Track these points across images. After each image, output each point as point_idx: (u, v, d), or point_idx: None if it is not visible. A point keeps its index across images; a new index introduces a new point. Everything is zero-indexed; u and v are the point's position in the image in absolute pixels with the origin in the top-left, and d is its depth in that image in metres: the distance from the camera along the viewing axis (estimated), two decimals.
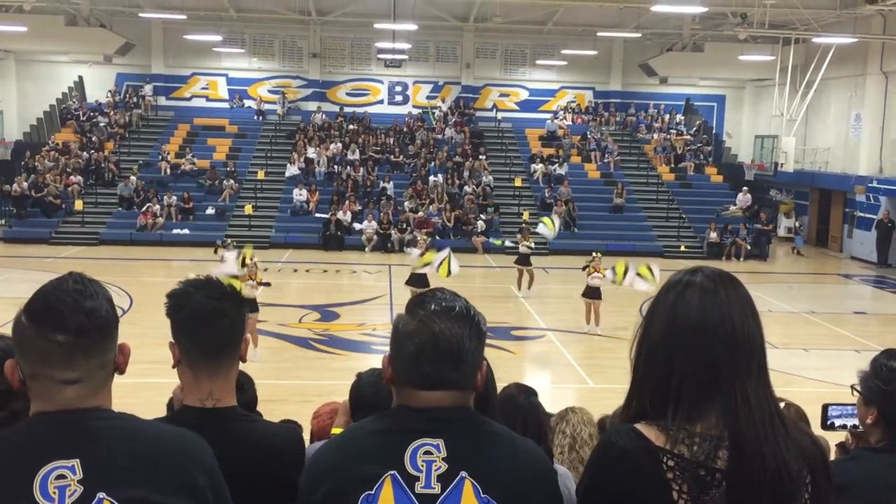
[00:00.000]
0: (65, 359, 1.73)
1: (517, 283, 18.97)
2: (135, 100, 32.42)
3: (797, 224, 28.63)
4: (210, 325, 2.16)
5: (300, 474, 1.91)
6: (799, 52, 27.55)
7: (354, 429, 1.98)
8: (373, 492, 1.73)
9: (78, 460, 1.68)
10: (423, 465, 1.75)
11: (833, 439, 2.93)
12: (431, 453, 1.76)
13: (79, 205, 26.42)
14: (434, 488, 1.74)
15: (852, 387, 2.43)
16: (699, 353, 1.76)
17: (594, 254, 15.81)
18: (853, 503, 1.86)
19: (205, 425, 1.98)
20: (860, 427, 2.40)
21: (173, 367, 2.18)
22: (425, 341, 1.80)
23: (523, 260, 18.99)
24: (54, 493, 1.65)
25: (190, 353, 2.17)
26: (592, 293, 15.22)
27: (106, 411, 1.80)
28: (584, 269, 15.61)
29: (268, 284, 14.05)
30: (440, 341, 1.79)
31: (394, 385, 1.88)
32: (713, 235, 26.79)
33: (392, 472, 1.74)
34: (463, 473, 1.75)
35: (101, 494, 1.66)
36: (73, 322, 1.73)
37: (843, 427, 2.75)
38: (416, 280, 15.83)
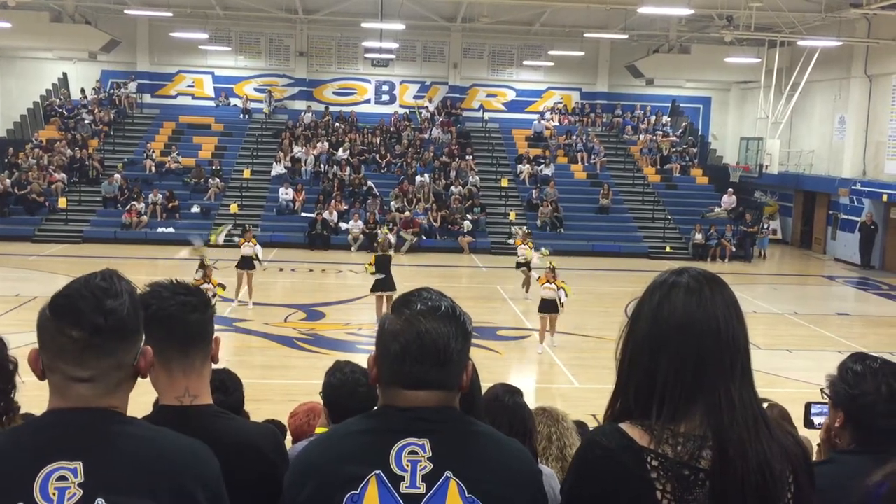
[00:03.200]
0: (77, 356, 1.73)
1: (523, 284, 18.63)
2: (116, 99, 32.18)
3: (766, 226, 28.40)
4: (180, 318, 2.19)
5: (281, 473, 1.90)
6: (784, 55, 27.73)
7: (339, 428, 1.97)
8: (357, 491, 1.73)
9: (81, 463, 1.67)
10: (408, 465, 1.74)
11: (816, 438, 2.95)
12: (417, 453, 1.75)
13: (62, 202, 26.22)
14: (419, 488, 1.73)
15: (822, 390, 2.46)
16: (684, 354, 1.76)
17: (550, 264, 14.74)
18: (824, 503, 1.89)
19: (182, 423, 1.97)
20: (832, 430, 2.42)
21: (144, 376, 2.10)
22: (411, 341, 1.79)
23: (520, 264, 18.76)
24: (54, 494, 1.64)
25: (163, 350, 2.15)
26: (547, 306, 14.09)
27: (117, 415, 1.78)
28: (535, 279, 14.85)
29: (222, 287, 14.81)
30: (426, 341, 1.79)
31: (379, 384, 1.87)
32: (698, 237, 26.91)
33: (377, 471, 1.74)
34: (448, 473, 1.75)
35: (100, 500, 1.65)
36: (90, 320, 1.72)
37: None
38: (382, 284, 15.28)
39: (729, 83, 34.72)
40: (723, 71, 31.03)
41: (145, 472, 1.71)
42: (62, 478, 1.65)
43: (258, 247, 17.13)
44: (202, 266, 14.66)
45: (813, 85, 27.64)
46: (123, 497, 1.67)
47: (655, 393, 1.76)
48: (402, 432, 1.78)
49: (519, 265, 18.71)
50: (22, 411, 2.67)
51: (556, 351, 14.10)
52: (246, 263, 16.79)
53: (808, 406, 2.92)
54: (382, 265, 15.27)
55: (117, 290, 1.78)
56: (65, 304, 1.74)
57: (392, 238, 18.94)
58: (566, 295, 13.95)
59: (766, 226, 28.01)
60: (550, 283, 14.01)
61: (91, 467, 1.67)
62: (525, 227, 21.40)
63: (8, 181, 26.36)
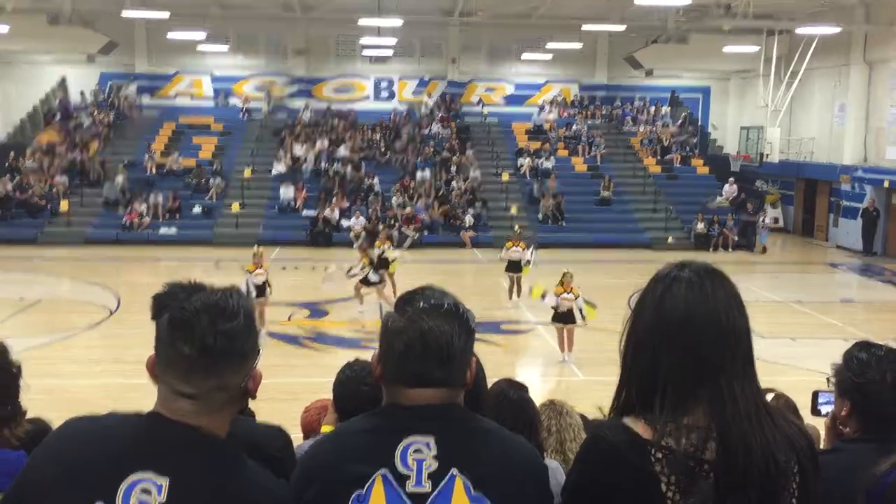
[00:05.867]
0: (183, 372, 1.74)
1: (508, 293, 17.56)
2: (116, 101, 32.16)
3: (763, 219, 27.85)
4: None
5: (289, 472, 1.90)
6: (783, 43, 27.66)
7: (344, 427, 1.97)
8: (364, 491, 1.73)
9: (168, 479, 1.67)
10: (413, 464, 1.74)
11: (823, 426, 2.95)
12: (422, 451, 1.75)
13: (64, 205, 26.23)
14: (425, 486, 1.73)
15: (827, 379, 2.46)
16: (686, 348, 1.76)
17: (566, 272, 13.60)
18: (831, 494, 1.89)
19: None
20: (838, 419, 2.42)
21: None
22: (414, 339, 1.79)
23: (514, 267, 17.48)
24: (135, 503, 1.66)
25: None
26: (564, 317, 13.34)
27: (204, 436, 1.76)
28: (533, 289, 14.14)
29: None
30: (429, 339, 1.79)
31: (383, 383, 1.87)
32: (700, 227, 26.88)
33: (383, 470, 1.74)
34: (454, 471, 1.74)
35: None
36: (201, 338, 1.72)
37: None
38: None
39: (728, 72, 34.65)
40: (722, 60, 30.96)
41: (221, 501, 1.71)
42: (146, 490, 1.66)
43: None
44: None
45: (812, 72, 27.58)
46: None
47: (657, 387, 1.77)
48: (406, 431, 1.78)
49: (511, 268, 17.46)
50: (28, 415, 2.67)
51: (558, 343, 14.00)
52: (258, 292, 14.40)
53: (815, 394, 2.92)
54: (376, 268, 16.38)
55: (234, 310, 1.77)
56: (182, 318, 1.73)
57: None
58: (583, 317, 13.27)
59: (762, 219, 27.71)
60: (568, 294, 13.21)
61: (173, 484, 1.67)
62: (517, 227, 20.40)
63: (9, 185, 26.38)
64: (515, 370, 12.55)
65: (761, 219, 27.61)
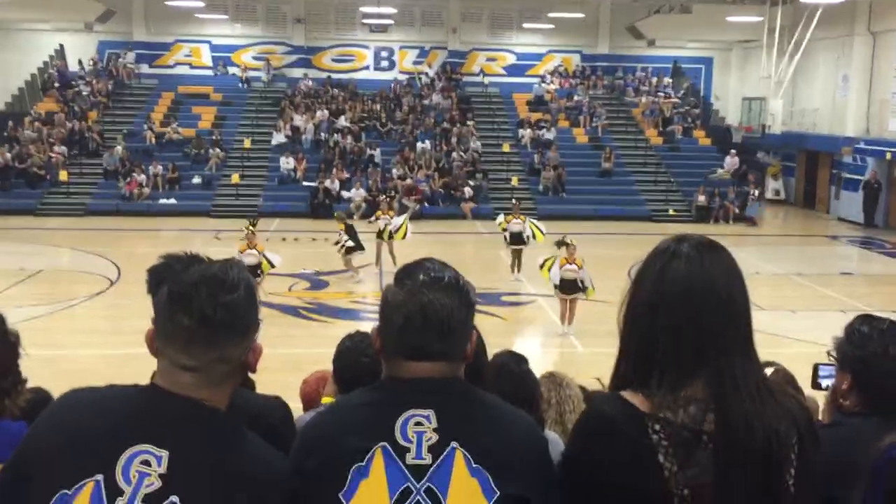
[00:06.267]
0: (184, 344, 1.72)
1: (511, 267, 17.35)
2: (114, 69, 31.94)
3: (755, 192, 27.28)
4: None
5: (289, 445, 1.90)
6: (786, 13, 27.42)
7: (344, 400, 1.97)
8: (364, 463, 1.72)
9: (167, 452, 1.66)
10: (413, 437, 1.74)
11: (823, 399, 2.95)
12: (422, 424, 1.75)
13: (63, 175, 26.17)
14: (425, 459, 1.73)
15: (828, 352, 2.45)
16: (685, 323, 1.75)
17: (568, 241, 13.39)
18: (832, 468, 1.89)
19: None
20: (839, 392, 2.42)
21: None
22: (414, 312, 1.78)
23: (517, 239, 17.26)
24: (134, 476, 1.64)
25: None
26: (568, 287, 13.23)
27: (206, 409, 1.74)
28: (544, 263, 13.65)
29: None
30: (429, 312, 1.78)
31: (383, 356, 1.87)
32: (701, 199, 26.82)
33: (382, 443, 1.73)
34: (454, 444, 1.74)
35: (174, 497, 1.65)
36: (200, 310, 1.70)
37: None
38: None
39: (731, 43, 34.38)
40: (725, 30, 30.70)
41: (220, 475, 1.70)
42: (146, 462, 1.65)
43: (274, 256, 14.47)
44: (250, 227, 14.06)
45: (816, 43, 27.35)
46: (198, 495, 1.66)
47: (656, 361, 1.76)
48: (406, 404, 1.77)
49: (513, 241, 17.27)
50: (28, 384, 2.67)
51: (559, 315, 14.04)
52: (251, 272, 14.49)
53: (815, 367, 2.92)
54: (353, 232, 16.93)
55: (234, 282, 1.75)
56: (180, 291, 1.72)
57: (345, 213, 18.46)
58: (592, 287, 13.10)
59: (753, 192, 27.41)
60: (571, 264, 13.11)
61: (173, 457, 1.66)
62: (514, 199, 20.19)
63: (8, 155, 26.28)
64: (515, 342, 12.57)
65: (753, 192, 27.38)
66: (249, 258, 13.48)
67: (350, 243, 16.78)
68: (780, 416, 1.75)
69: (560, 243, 13.49)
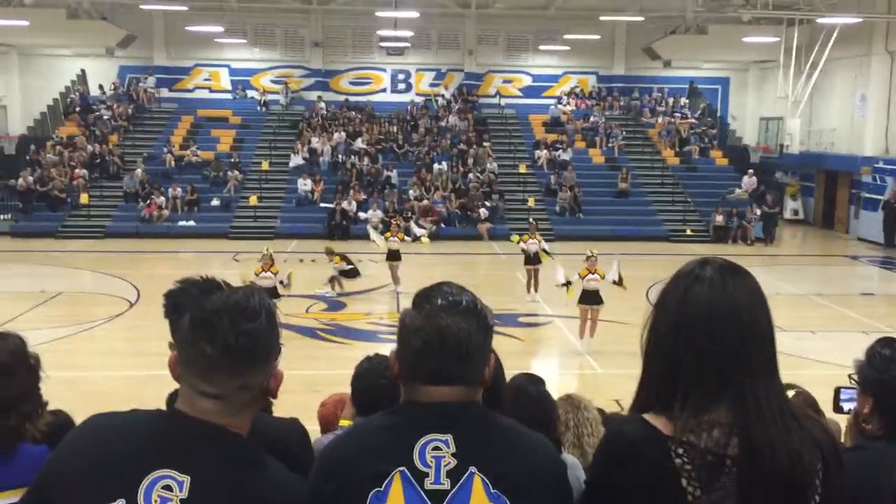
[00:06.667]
0: (206, 371, 1.73)
1: (527, 287, 17.31)
2: (134, 94, 32.34)
3: (756, 212, 26.82)
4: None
5: (306, 468, 1.90)
6: (803, 33, 27.37)
7: (363, 424, 1.97)
8: (382, 488, 1.72)
9: (189, 477, 1.66)
10: (432, 461, 1.73)
11: (845, 422, 2.92)
12: (440, 449, 1.74)
13: (84, 198, 26.43)
14: (444, 484, 1.72)
15: (850, 376, 2.43)
16: (708, 346, 1.75)
17: (589, 252, 13.65)
18: (854, 492, 1.87)
19: None
20: (861, 416, 2.40)
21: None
22: (432, 336, 1.78)
23: (533, 260, 17.27)
24: (156, 501, 1.65)
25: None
26: (590, 298, 13.35)
27: (229, 435, 1.75)
28: (579, 276, 13.59)
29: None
30: (447, 336, 1.78)
31: (401, 380, 1.87)
32: (719, 219, 26.69)
33: (401, 468, 1.73)
34: (472, 469, 1.73)
35: None
36: (223, 339, 1.71)
37: None
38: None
39: (747, 63, 34.35)
40: (741, 51, 30.68)
41: (241, 499, 1.71)
42: (167, 487, 1.66)
43: (284, 276, 14.41)
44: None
45: (833, 63, 27.29)
46: None
47: (679, 385, 1.75)
48: (425, 428, 1.77)
49: (529, 261, 17.21)
50: (49, 406, 2.69)
51: (577, 337, 13.97)
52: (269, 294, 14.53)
53: (837, 391, 2.90)
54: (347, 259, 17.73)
55: (256, 309, 1.76)
56: (203, 318, 1.73)
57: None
58: (620, 282, 13.46)
59: (755, 212, 26.89)
60: (593, 274, 13.27)
61: (194, 482, 1.66)
62: (531, 219, 20.25)
63: (30, 178, 26.59)
64: (532, 363, 12.53)
65: (750, 217, 26.82)
66: (265, 281, 13.64)
67: (346, 267, 17.49)
68: (804, 441, 1.73)
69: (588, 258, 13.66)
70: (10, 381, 2.42)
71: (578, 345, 13.59)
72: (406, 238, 19.57)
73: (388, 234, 18.61)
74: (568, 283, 13.72)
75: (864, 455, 2.22)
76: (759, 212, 26.95)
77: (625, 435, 1.77)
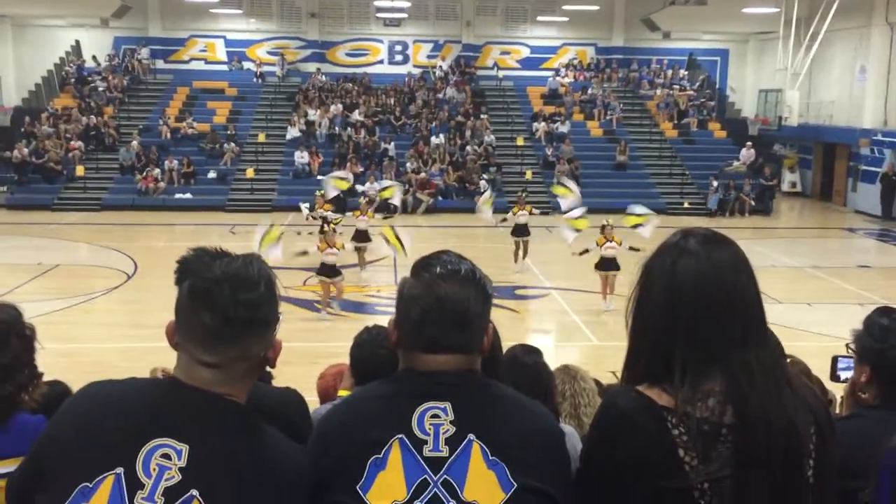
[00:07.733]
0: (205, 341, 1.72)
1: (514, 257, 17.43)
2: (130, 65, 32.09)
3: (746, 190, 26.36)
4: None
5: (305, 437, 1.91)
6: (803, 4, 27.17)
7: (361, 393, 1.98)
8: (381, 455, 1.72)
9: (186, 446, 1.66)
10: (430, 429, 1.74)
11: (841, 391, 2.93)
12: (439, 416, 1.75)
13: (80, 170, 26.34)
14: (442, 451, 1.73)
15: (847, 345, 2.44)
16: (697, 318, 1.75)
17: (605, 221, 14.56)
18: (849, 461, 1.88)
19: None
20: (858, 385, 2.41)
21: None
22: (430, 305, 1.78)
23: (521, 231, 17.37)
24: (154, 469, 1.63)
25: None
26: (608, 264, 14.02)
27: (231, 404, 1.74)
28: (597, 244, 14.31)
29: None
30: (445, 304, 1.78)
31: (399, 349, 1.87)
32: (714, 185, 26.58)
33: (400, 435, 1.73)
34: (471, 436, 1.74)
35: (193, 489, 1.64)
36: (222, 308, 1.70)
37: None
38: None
39: (747, 34, 34.13)
40: (741, 22, 30.48)
41: (240, 468, 1.69)
42: (166, 455, 1.65)
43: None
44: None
45: (833, 34, 27.10)
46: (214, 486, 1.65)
47: (669, 359, 1.75)
48: (423, 396, 1.77)
49: (517, 232, 17.31)
50: (46, 378, 2.69)
51: (574, 308, 14.09)
52: (332, 271, 14.31)
53: (834, 360, 2.91)
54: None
55: (255, 279, 1.75)
56: (202, 287, 1.72)
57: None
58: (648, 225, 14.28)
59: (748, 190, 26.74)
60: (611, 242, 14.06)
61: (193, 450, 1.66)
62: (521, 191, 20.07)
63: (25, 150, 26.47)
64: (529, 335, 12.57)
65: (736, 194, 26.56)
66: (329, 257, 14.14)
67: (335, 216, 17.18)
68: (798, 407, 1.74)
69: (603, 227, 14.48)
70: (2, 350, 2.42)
71: (602, 305, 14.16)
72: (377, 215, 18.74)
73: (357, 212, 18.06)
74: (585, 251, 14.46)
75: (859, 423, 2.23)
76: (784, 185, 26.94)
77: (619, 406, 1.77)
